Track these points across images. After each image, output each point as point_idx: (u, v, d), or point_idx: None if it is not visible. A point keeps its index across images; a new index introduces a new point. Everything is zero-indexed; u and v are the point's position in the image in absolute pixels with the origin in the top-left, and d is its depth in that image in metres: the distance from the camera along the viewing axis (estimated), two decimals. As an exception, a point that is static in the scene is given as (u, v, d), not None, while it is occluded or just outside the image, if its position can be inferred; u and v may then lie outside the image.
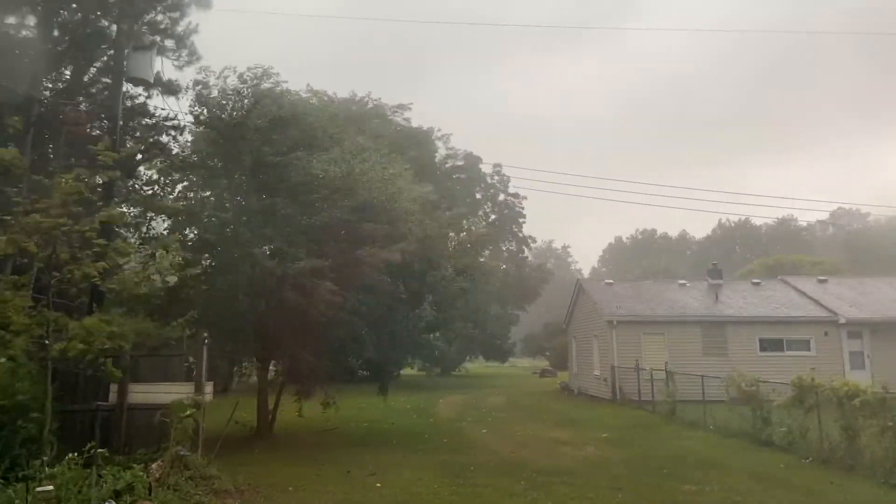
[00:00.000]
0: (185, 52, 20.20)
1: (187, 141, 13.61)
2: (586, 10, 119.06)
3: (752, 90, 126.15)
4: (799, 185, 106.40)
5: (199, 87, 13.17)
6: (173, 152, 13.58)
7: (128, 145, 13.76)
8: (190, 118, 13.41)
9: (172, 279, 10.13)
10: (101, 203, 8.57)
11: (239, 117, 12.64)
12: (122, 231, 11.08)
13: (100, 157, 8.06)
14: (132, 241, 9.96)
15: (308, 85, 19.09)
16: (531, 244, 50.46)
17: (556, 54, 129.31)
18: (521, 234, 49.22)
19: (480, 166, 44.98)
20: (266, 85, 13.18)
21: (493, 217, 47.77)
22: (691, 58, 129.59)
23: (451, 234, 15.92)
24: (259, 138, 12.54)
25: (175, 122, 14.03)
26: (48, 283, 7.77)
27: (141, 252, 10.28)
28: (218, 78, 13.16)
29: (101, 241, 7.90)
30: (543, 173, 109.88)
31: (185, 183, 13.56)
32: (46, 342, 7.60)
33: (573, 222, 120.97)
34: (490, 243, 37.99)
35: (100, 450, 8.56)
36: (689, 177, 72.00)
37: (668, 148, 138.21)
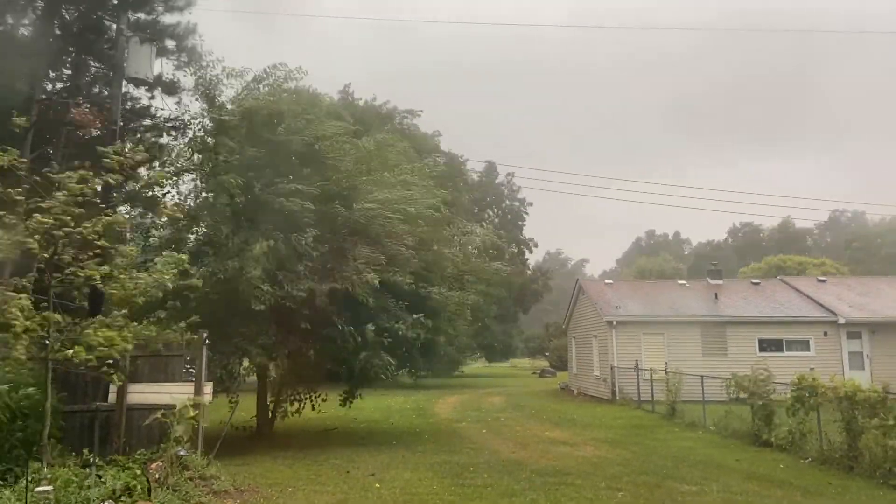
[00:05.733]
0: (185, 53, 20.31)
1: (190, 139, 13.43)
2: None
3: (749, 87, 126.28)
4: (802, 186, 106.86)
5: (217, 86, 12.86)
6: (174, 153, 13.48)
7: (128, 147, 13.70)
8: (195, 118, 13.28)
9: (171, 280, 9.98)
10: (103, 205, 8.53)
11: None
12: (126, 233, 11.03)
13: (105, 159, 7.99)
14: (135, 245, 9.86)
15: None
16: (532, 248, 50.86)
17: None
18: (521, 237, 49.63)
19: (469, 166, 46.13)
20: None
21: (497, 220, 48.38)
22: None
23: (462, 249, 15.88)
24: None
25: (176, 122, 13.97)
26: (49, 285, 7.75)
27: (143, 259, 10.25)
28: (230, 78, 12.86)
29: (104, 243, 7.86)
30: (555, 173, 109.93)
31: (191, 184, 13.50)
32: (47, 343, 7.59)
33: (587, 225, 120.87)
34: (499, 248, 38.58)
35: (99, 450, 8.59)
36: (696, 178, 72.48)
37: (673, 148, 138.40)
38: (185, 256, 9.15)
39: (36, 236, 7.32)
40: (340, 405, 14.43)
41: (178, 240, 12.70)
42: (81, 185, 7.63)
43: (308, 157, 12.68)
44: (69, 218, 7.44)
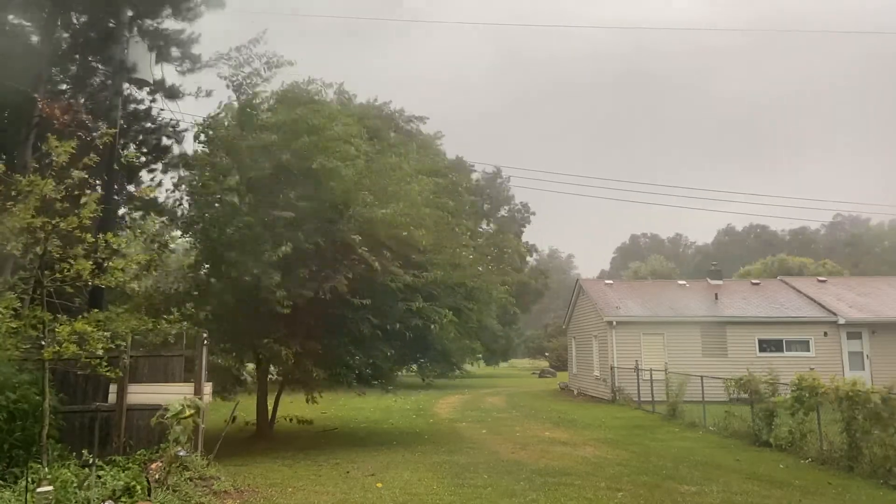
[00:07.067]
0: (188, 59, 20.23)
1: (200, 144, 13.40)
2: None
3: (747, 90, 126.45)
4: (805, 188, 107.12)
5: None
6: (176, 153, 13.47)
7: (130, 149, 13.72)
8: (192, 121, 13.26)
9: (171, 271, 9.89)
10: (96, 206, 8.43)
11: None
12: (123, 231, 10.95)
13: (53, 152, 7.82)
14: (132, 239, 9.72)
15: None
16: (533, 252, 51.10)
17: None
18: (523, 241, 49.81)
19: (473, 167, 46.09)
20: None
21: (502, 216, 48.49)
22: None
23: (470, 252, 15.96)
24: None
25: (176, 126, 13.91)
26: (41, 283, 7.72)
27: (140, 246, 10.16)
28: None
29: (89, 236, 7.80)
30: (552, 174, 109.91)
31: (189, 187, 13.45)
32: (42, 343, 7.58)
33: (580, 227, 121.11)
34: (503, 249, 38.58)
35: (99, 451, 8.59)
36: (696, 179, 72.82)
37: (669, 151, 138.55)
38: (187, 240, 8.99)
39: (21, 237, 7.29)
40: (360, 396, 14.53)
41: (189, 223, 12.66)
42: (48, 180, 7.55)
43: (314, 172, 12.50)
44: (43, 218, 7.36)
